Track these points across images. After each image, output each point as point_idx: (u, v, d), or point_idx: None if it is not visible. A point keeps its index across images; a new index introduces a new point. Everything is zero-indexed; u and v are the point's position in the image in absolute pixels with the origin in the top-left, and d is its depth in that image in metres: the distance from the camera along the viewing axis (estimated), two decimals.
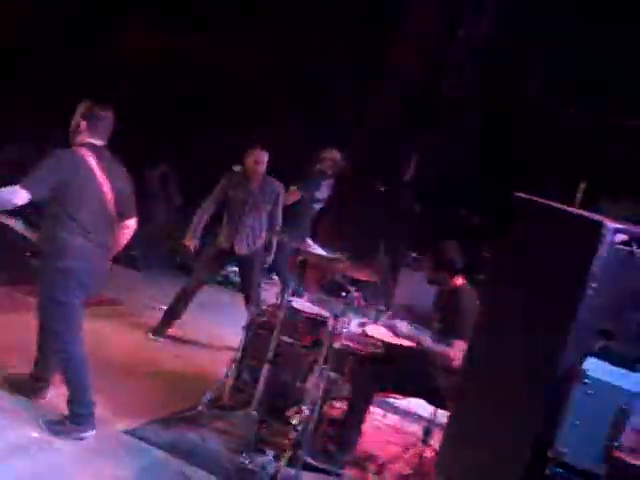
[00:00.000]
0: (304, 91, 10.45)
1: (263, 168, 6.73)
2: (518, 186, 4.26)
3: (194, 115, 10.38)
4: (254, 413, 4.88)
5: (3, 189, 4.17)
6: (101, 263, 4.57)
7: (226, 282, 9.01)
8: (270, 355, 4.95)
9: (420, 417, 5.49)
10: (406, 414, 5.77)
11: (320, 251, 6.71)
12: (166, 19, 11.00)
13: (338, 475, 4.63)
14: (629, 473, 2.10)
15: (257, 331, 5.28)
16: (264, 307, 5.63)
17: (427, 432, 4.91)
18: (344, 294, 4.97)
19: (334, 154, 8.02)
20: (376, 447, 5.13)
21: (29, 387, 4.75)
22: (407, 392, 4.94)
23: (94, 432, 4.44)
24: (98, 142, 4.48)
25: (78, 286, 4.43)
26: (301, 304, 5.36)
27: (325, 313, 5.23)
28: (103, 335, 6.10)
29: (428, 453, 4.83)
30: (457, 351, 4.38)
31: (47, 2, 10.83)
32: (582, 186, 10.02)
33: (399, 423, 5.70)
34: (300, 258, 6.00)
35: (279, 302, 5.19)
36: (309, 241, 7.68)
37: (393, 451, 5.16)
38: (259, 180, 6.73)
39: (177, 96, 10.45)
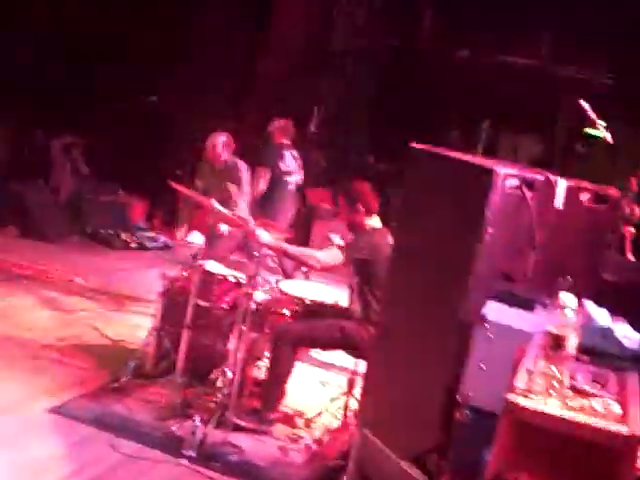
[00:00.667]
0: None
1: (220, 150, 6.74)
2: (421, 132, 4.36)
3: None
4: (178, 379, 4.94)
5: None
6: None
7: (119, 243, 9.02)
8: (188, 320, 5.00)
9: (344, 369, 5.61)
10: (329, 366, 5.90)
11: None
12: None
13: (267, 433, 4.73)
14: (522, 415, 2.24)
15: (174, 297, 5.31)
16: (178, 273, 5.63)
17: (350, 383, 5.04)
18: (255, 253, 5.01)
19: (280, 123, 7.91)
20: (303, 402, 5.25)
21: None
22: (327, 346, 5.05)
23: None
24: None
25: None
26: (215, 267, 5.40)
27: (239, 274, 5.29)
28: (17, 311, 6.04)
29: (352, 404, 4.97)
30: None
31: None
32: (485, 125, 10.32)
33: (323, 376, 5.82)
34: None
35: (192, 266, 5.21)
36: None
37: (320, 404, 5.28)
38: (221, 164, 6.76)
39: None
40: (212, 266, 5.35)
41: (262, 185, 7.51)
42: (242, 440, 4.57)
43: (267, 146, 7.85)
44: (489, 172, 3.29)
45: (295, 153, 7.95)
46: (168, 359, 5.21)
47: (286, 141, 7.88)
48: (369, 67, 11.01)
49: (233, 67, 10.33)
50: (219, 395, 4.76)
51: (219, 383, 4.89)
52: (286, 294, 5.18)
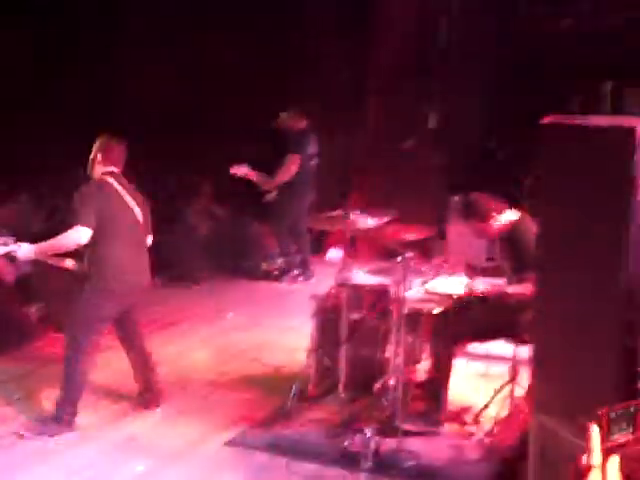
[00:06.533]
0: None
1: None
2: (541, 110, 4.21)
3: None
4: (343, 395, 4.96)
5: (65, 234, 4.74)
6: (142, 281, 5.05)
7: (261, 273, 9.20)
8: (344, 335, 5.02)
9: (503, 358, 5.49)
10: (488, 358, 5.78)
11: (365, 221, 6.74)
12: None
13: (437, 434, 4.68)
14: None
15: (326, 315, 5.34)
16: (326, 291, 5.67)
17: (513, 371, 4.92)
18: (399, 258, 4.98)
19: (286, 114, 8.57)
20: (467, 397, 5.17)
21: (147, 399, 5.24)
22: (485, 337, 4.97)
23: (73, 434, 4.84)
24: (114, 169, 4.99)
25: (115, 305, 4.92)
26: (360, 277, 5.40)
27: (385, 281, 5.26)
28: (178, 356, 6.24)
29: (519, 392, 4.84)
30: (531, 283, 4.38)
31: None
32: (608, 87, 9.91)
33: (483, 368, 5.72)
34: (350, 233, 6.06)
35: (339, 281, 5.24)
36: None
37: (484, 397, 5.18)
38: None
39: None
40: (358, 277, 5.35)
41: (293, 171, 8.29)
42: (415, 444, 4.56)
43: (292, 133, 8.47)
44: (630, 131, 3.13)
45: (315, 138, 8.57)
46: (330, 377, 5.24)
47: (304, 125, 8.52)
48: (477, 58, 10.83)
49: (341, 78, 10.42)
50: (385, 404, 4.75)
51: (383, 392, 4.87)
52: (434, 293, 5.12)
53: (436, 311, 5.00)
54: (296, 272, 8.86)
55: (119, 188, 4.93)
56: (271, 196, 8.65)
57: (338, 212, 5.34)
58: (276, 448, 4.62)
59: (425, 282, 5.51)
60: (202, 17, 10.99)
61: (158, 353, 5.55)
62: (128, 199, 4.96)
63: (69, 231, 4.74)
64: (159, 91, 10.50)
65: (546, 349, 3.77)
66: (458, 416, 4.90)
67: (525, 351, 4.93)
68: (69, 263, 5.07)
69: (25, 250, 4.82)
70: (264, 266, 9.21)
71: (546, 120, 3.69)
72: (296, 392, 5.17)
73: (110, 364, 6.22)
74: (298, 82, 10.74)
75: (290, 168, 8.44)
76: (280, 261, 9.09)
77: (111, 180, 4.94)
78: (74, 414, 4.88)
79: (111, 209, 4.85)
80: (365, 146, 10.47)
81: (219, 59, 10.54)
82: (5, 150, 9.59)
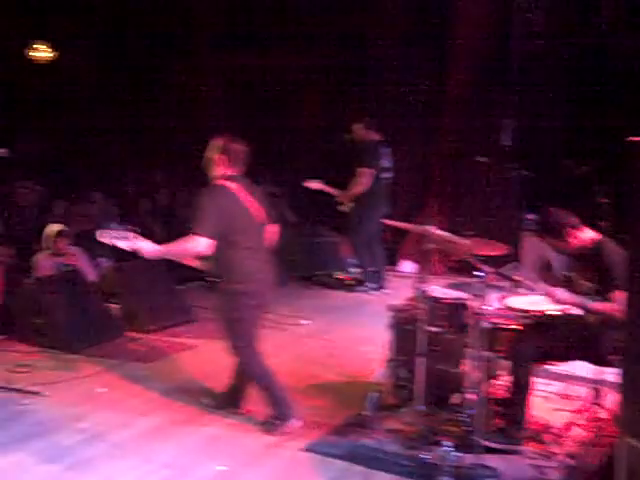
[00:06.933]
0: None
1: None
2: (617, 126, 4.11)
3: None
4: (419, 408, 4.96)
5: (185, 243, 4.77)
6: (269, 279, 5.12)
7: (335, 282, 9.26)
8: (421, 348, 5.01)
9: (584, 379, 5.41)
10: (569, 378, 5.70)
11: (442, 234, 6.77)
12: None
13: (517, 452, 4.63)
14: None
15: (403, 327, 5.35)
16: (403, 302, 5.69)
17: (596, 393, 4.84)
18: (477, 272, 4.96)
19: (360, 125, 8.63)
20: (547, 417, 5.11)
21: (231, 401, 5.37)
22: (567, 357, 4.90)
23: (299, 422, 5.03)
24: (234, 171, 5.02)
25: (250, 304, 4.96)
26: (438, 291, 5.40)
27: (464, 295, 5.25)
28: None
29: (602, 414, 4.76)
30: (617, 304, 4.32)
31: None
32: None
33: (564, 389, 5.64)
34: (425, 246, 6.04)
35: (417, 293, 5.23)
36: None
37: (565, 418, 5.12)
38: None
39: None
40: (437, 291, 5.36)
41: (365, 184, 8.33)
42: (494, 461, 4.51)
43: (365, 145, 8.50)
44: None
45: (389, 151, 8.56)
46: (406, 389, 5.23)
47: (378, 137, 8.54)
48: (555, 69, 10.72)
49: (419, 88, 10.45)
50: (463, 419, 4.73)
51: (461, 407, 4.86)
52: (513, 309, 5.08)
53: (515, 327, 4.97)
54: (370, 283, 8.90)
55: (240, 192, 4.95)
56: (346, 207, 8.70)
57: (413, 224, 5.36)
58: (354, 457, 4.64)
59: (504, 298, 5.48)
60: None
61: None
62: (249, 202, 4.98)
63: (189, 241, 4.75)
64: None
65: (636, 371, 3.71)
66: (538, 435, 4.84)
67: (605, 372, 4.89)
68: (199, 263, 5.17)
69: (149, 250, 4.86)
70: (339, 275, 9.28)
71: (632, 139, 3.63)
72: (373, 402, 5.19)
73: (193, 363, 6.39)
74: (374, 93, 10.81)
75: (363, 180, 8.48)
76: (355, 271, 9.14)
77: (231, 184, 4.95)
78: (288, 410, 5.04)
79: (233, 213, 4.87)
80: (441, 160, 10.47)
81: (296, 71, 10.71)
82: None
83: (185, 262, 5.17)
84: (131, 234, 4.88)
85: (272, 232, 5.26)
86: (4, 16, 12.24)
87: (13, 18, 12.47)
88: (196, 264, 5.11)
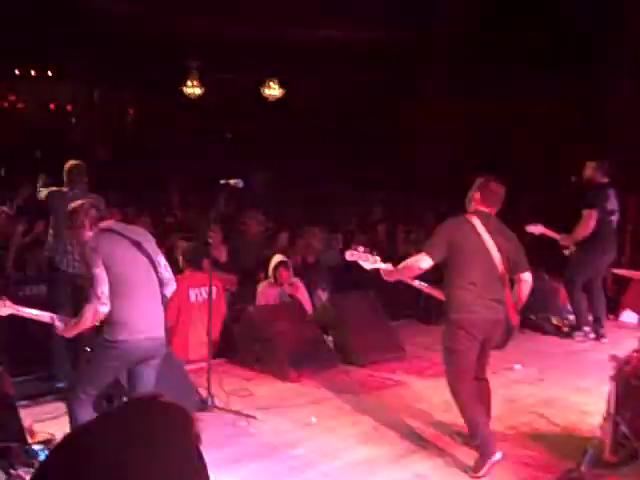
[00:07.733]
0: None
1: None
2: None
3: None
4: None
5: (411, 259, 5.09)
6: (491, 315, 5.06)
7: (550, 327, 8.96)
8: None
9: None
10: None
11: None
12: None
13: None
14: None
15: (627, 380, 5.07)
16: (627, 354, 5.39)
17: None
18: None
19: (592, 164, 8.38)
20: None
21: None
22: None
23: (500, 454, 4.98)
24: (487, 210, 5.15)
25: (466, 335, 4.99)
26: None
27: None
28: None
29: None
30: None
31: None
32: None
33: None
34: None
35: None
36: None
37: None
38: None
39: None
40: None
41: (591, 226, 8.10)
42: None
43: (591, 187, 8.29)
44: None
45: (614, 192, 8.32)
46: (627, 446, 4.96)
47: (606, 180, 8.28)
48: None
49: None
50: None
51: None
52: None
53: None
54: (588, 330, 8.53)
55: (481, 228, 5.05)
56: (570, 251, 8.42)
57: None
58: None
59: None
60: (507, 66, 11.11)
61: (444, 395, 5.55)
62: (488, 241, 5.04)
63: (417, 256, 5.06)
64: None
65: None
66: None
67: None
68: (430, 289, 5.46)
69: (386, 269, 5.21)
70: (554, 320, 8.98)
71: None
72: (590, 457, 4.95)
73: (403, 399, 6.41)
74: (601, 132, 10.45)
75: (588, 223, 8.17)
76: (571, 317, 8.81)
77: (475, 219, 5.09)
78: (490, 453, 4.99)
79: (462, 246, 5.00)
80: None
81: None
82: None
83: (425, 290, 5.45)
84: (373, 257, 5.21)
85: (520, 280, 5.25)
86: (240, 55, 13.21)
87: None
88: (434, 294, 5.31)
